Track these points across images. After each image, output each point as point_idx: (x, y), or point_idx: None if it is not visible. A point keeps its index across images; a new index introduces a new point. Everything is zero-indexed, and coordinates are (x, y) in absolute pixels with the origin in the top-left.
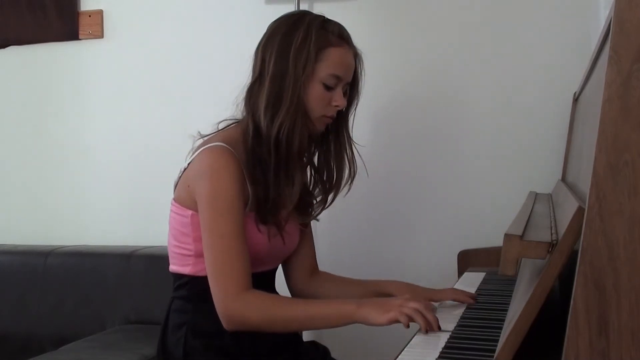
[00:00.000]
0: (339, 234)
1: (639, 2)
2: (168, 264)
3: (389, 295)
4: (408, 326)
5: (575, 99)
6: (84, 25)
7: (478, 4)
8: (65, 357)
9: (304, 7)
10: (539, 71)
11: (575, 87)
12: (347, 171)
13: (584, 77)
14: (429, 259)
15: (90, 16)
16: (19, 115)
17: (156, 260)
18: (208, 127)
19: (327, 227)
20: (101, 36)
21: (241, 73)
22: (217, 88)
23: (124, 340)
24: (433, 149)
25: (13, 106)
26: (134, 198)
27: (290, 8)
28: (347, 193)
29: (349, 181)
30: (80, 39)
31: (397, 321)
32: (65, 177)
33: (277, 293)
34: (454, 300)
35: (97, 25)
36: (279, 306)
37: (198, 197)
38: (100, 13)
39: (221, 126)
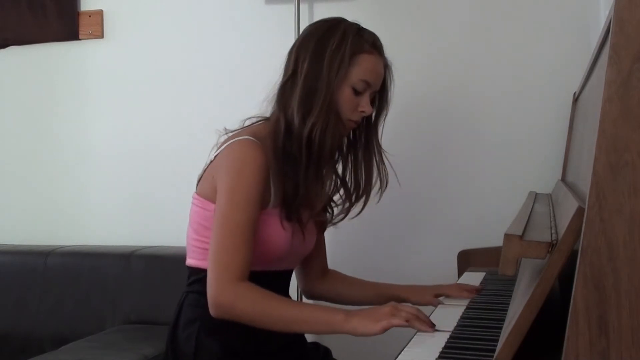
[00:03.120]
0: (338, 233)
1: (639, 2)
2: (168, 264)
3: (403, 300)
4: (407, 321)
5: (575, 99)
6: (84, 25)
7: (477, 4)
8: (65, 357)
9: (303, 7)
10: (539, 71)
11: (575, 87)
12: (377, 180)
13: (584, 77)
14: (429, 258)
15: (90, 16)
16: (18, 115)
17: (156, 260)
18: (208, 127)
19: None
20: (101, 36)
21: (241, 72)
22: (218, 88)
23: (124, 340)
24: (432, 149)
25: (13, 106)
26: (134, 198)
27: (290, 8)
28: (377, 202)
29: (380, 191)
30: (80, 39)
31: (391, 327)
32: (65, 177)
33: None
34: (459, 296)
35: (97, 25)
36: (269, 303)
37: (219, 187)
38: (100, 13)
39: (247, 123)
